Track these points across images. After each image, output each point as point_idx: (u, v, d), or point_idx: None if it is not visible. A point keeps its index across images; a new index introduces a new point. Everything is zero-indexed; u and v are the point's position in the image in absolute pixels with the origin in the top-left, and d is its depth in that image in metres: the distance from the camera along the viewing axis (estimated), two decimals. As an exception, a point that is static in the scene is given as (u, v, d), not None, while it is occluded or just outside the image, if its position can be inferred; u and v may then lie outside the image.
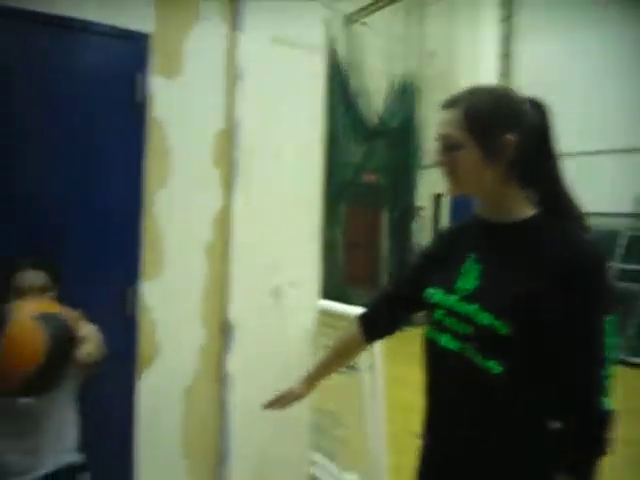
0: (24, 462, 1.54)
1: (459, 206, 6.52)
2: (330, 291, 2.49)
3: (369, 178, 7.34)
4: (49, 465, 1.58)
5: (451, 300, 1.05)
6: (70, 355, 1.29)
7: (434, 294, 1.10)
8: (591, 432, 0.92)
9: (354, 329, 1.32)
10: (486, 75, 7.01)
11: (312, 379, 1.41)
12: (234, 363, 2.15)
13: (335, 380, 2.72)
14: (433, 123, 7.34)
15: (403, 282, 1.30)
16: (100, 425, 1.82)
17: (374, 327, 1.30)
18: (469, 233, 1.12)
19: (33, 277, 1.54)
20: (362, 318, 1.32)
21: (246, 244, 2.18)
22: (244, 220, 2.17)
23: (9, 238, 1.67)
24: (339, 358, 1.39)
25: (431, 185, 8.03)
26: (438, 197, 7.88)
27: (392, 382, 2.37)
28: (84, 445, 1.72)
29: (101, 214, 1.86)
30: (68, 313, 1.30)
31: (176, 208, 2.02)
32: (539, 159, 1.02)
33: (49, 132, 1.76)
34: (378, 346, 2.32)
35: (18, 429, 1.53)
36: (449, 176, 1.05)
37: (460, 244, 1.12)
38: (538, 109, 1.03)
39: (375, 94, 6.98)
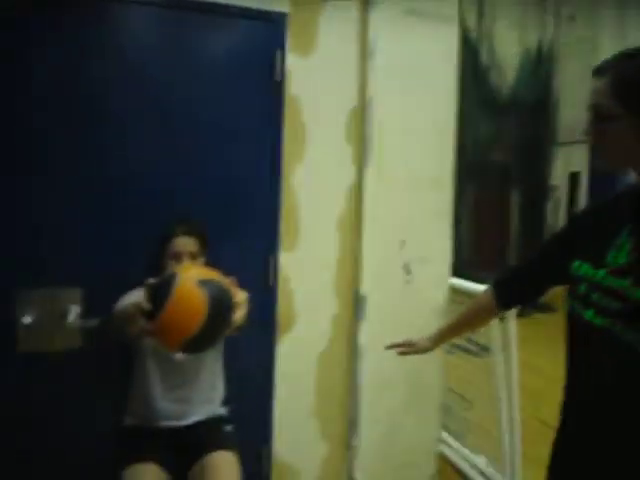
0: (178, 409, 1.73)
1: (598, 185, 5.99)
2: (455, 275, 2.45)
3: (499, 156, 6.99)
4: (200, 414, 1.76)
5: (600, 274, 1.00)
6: (227, 320, 1.35)
7: (580, 267, 1.06)
8: None
9: (488, 295, 1.34)
10: (636, 40, 6.29)
11: (440, 338, 1.47)
12: (365, 334, 2.22)
13: (467, 362, 2.70)
14: (571, 95, 6.80)
15: (543, 256, 1.25)
16: (243, 383, 1.99)
17: (508, 295, 1.30)
18: (623, 206, 1.05)
19: (186, 243, 1.69)
20: (497, 285, 1.33)
21: (377, 219, 2.21)
22: (376, 195, 2.21)
23: (165, 209, 1.86)
24: (469, 322, 1.43)
25: (567, 163, 7.46)
26: (574, 176, 7.30)
27: (520, 368, 2.28)
28: (228, 400, 1.89)
29: (244, 186, 2.00)
30: (225, 280, 1.39)
31: (311, 182, 2.11)
32: None
33: (195, 110, 1.92)
34: (513, 328, 2.25)
35: (173, 380, 1.72)
36: (598, 150, 1.00)
37: (612, 217, 1.06)
38: None
39: (507, 66, 6.59)
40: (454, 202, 2.38)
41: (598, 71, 0.99)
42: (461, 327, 1.45)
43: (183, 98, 1.90)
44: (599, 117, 0.97)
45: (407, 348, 1.52)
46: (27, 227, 1.77)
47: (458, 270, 2.53)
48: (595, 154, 1.00)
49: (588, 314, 1.01)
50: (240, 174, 1.99)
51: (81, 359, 1.83)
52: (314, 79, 2.10)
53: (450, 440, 2.79)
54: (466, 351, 2.75)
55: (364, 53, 2.16)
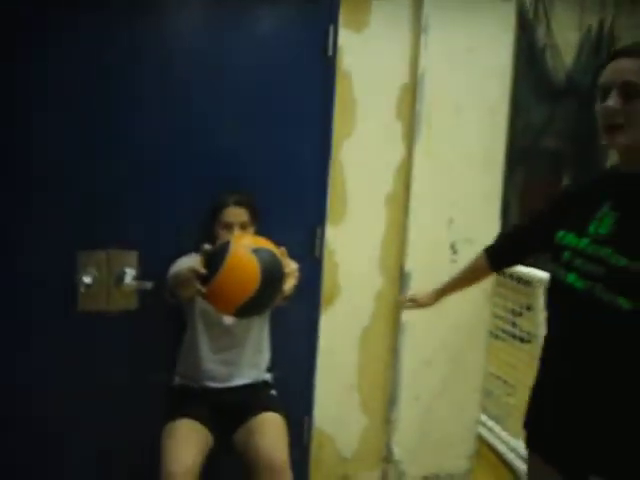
0: (224, 371, 1.80)
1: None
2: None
3: (551, 142, 6.76)
4: (246, 377, 1.83)
5: (583, 243, 1.14)
6: (279, 288, 1.39)
7: (565, 236, 1.19)
8: None
9: (481, 259, 1.57)
10: None
11: (440, 294, 1.73)
12: (408, 312, 2.22)
13: (512, 348, 2.70)
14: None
15: (532, 222, 1.43)
16: (287, 353, 2.05)
17: (498, 258, 1.54)
18: (605, 184, 1.19)
19: (237, 213, 1.74)
20: (488, 250, 1.56)
21: (425, 197, 2.21)
22: (424, 173, 2.20)
23: (217, 179, 1.90)
24: (466, 282, 1.67)
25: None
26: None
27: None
28: (272, 368, 1.95)
29: (294, 159, 2.03)
30: (277, 249, 1.42)
31: (360, 157, 2.12)
32: None
33: (248, 84, 1.95)
34: None
35: (221, 343, 1.79)
36: (626, 126, 1.04)
37: (595, 193, 1.19)
38: None
39: (565, 48, 6.34)
40: (503, 185, 2.35)
41: (628, 52, 1.06)
42: (458, 286, 1.70)
43: (236, 72, 1.94)
44: (630, 94, 1.03)
45: (411, 303, 1.79)
46: (89, 194, 1.86)
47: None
48: (616, 132, 1.05)
49: (570, 278, 1.14)
50: (290, 147, 2.02)
51: (136, 320, 1.93)
52: (366, 55, 2.10)
53: (490, 423, 2.78)
54: (512, 336, 2.73)
55: (417, 29, 2.14)
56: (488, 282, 2.34)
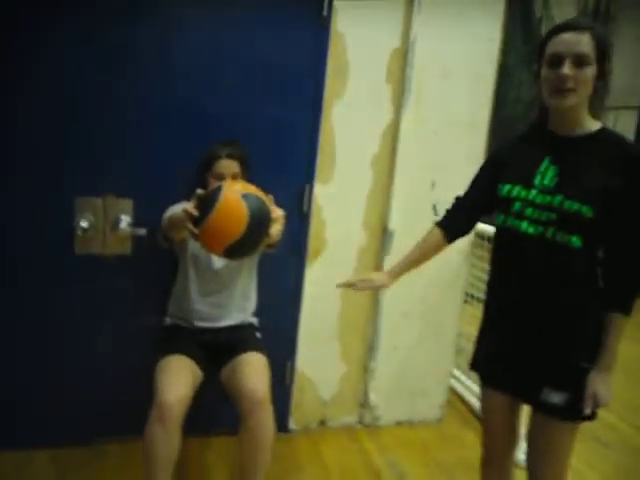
0: (213, 312, 1.92)
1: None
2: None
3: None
4: (233, 319, 1.95)
5: (532, 194, 1.32)
6: (265, 231, 1.47)
7: (512, 189, 1.35)
8: (634, 282, 1.28)
9: (435, 233, 1.59)
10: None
11: (397, 273, 1.65)
12: (390, 266, 2.35)
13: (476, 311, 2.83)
14: (624, 59, 6.50)
15: (476, 187, 1.55)
16: (274, 301, 2.17)
17: (453, 229, 1.58)
18: (537, 141, 1.37)
19: (229, 165, 1.81)
20: (442, 223, 1.59)
21: (411, 159, 2.31)
22: (410, 136, 2.29)
23: (212, 133, 1.97)
24: (423, 256, 1.64)
25: (615, 128, 7.24)
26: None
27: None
28: (259, 314, 2.08)
29: (287, 117, 2.10)
30: (265, 196, 1.51)
31: (349, 119, 2.20)
32: (605, 86, 1.29)
33: (244, 43, 2.01)
34: None
35: (210, 287, 1.90)
36: (573, 89, 1.24)
37: (530, 150, 1.37)
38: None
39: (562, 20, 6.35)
40: (487, 149, 2.45)
41: (576, 27, 1.24)
42: (415, 263, 1.64)
43: (233, 32, 1.99)
44: (582, 63, 1.23)
45: (364, 284, 1.64)
46: (88, 144, 1.93)
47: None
48: (568, 94, 1.24)
49: (522, 225, 1.32)
50: (284, 106, 2.09)
51: (130, 264, 2.03)
52: (360, 17, 2.16)
53: (462, 377, 2.96)
54: (471, 299, 2.87)
55: (411, -6, 2.20)
56: (465, 243, 2.47)
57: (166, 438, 1.60)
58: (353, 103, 2.21)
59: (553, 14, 6.13)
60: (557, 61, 1.24)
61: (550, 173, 1.32)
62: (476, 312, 2.89)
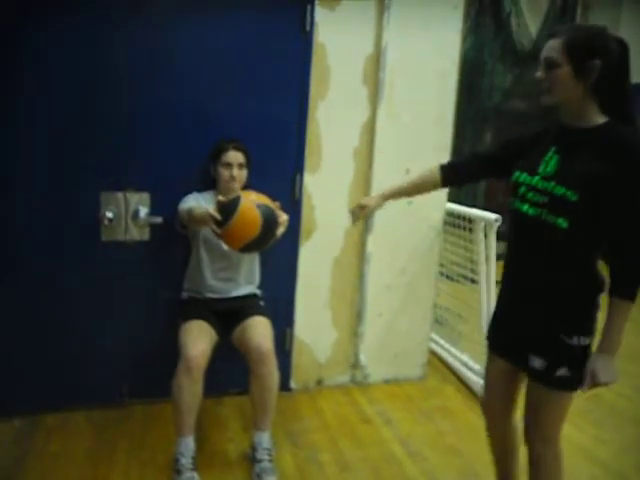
0: (223, 286, 2.27)
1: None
2: (450, 200, 2.90)
3: (517, 104, 7.19)
4: (240, 291, 2.30)
5: (535, 180, 1.47)
6: (274, 233, 1.86)
7: (520, 175, 1.52)
8: (635, 269, 1.36)
9: (435, 172, 1.75)
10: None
11: (386, 197, 1.86)
12: (372, 244, 2.72)
13: (462, 288, 3.21)
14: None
15: (490, 152, 1.72)
16: (274, 277, 2.53)
17: (451, 174, 1.73)
18: (550, 133, 1.52)
19: (236, 155, 2.17)
20: (443, 166, 1.75)
21: (387, 150, 2.66)
22: (385, 131, 2.64)
23: (215, 133, 2.30)
24: (416, 190, 1.82)
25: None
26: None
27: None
28: (263, 286, 2.43)
29: (278, 117, 2.46)
30: (273, 204, 1.88)
31: (332, 117, 2.55)
32: (616, 82, 1.38)
33: (239, 56, 2.35)
34: (493, 266, 2.75)
35: (220, 264, 2.25)
36: (547, 89, 1.41)
37: (543, 141, 1.52)
38: (621, 47, 1.37)
39: (532, 15, 6.70)
40: (454, 138, 2.80)
41: (553, 34, 1.41)
42: (409, 193, 1.86)
43: (229, 47, 2.33)
44: (550, 66, 1.38)
45: (361, 211, 1.88)
46: (110, 144, 2.27)
47: (454, 196, 2.99)
48: (545, 94, 1.42)
49: (524, 207, 1.49)
50: (275, 108, 2.44)
51: (148, 248, 2.38)
52: (338, 29, 2.49)
53: (441, 342, 3.33)
54: (464, 278, 3.23)
55: (381, 8, 2.53)
56: (438, 221, 2.83)
57: (191, 386, 1.95)
58: (335, 102, 2.55)
59: (522, 8, 6.48)
60: (540, 65, 1.42)
61: (553, 161, 1.44)
62: (449, 289, 3.28)
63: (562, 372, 1.46)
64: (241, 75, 2.38)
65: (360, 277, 2.77)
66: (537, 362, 1.49)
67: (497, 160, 1.67)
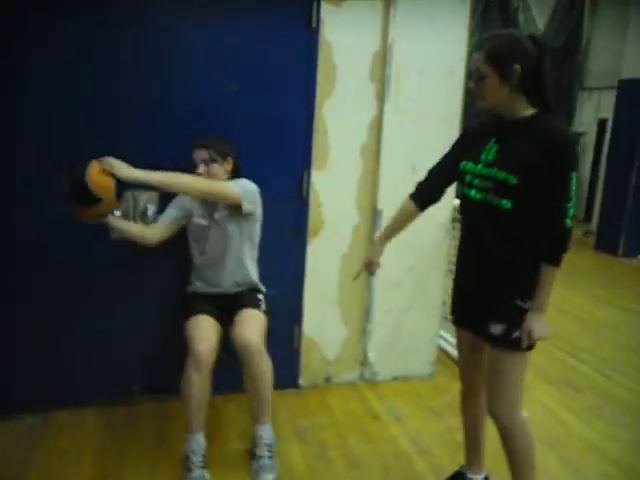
0: (215, 279, 2.26)
1: (622, 132, 6.17)
2: (458, 197, 2.90)
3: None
4: (233, 284, 2.28)
5: (478, 167, 1.65)
6: (78, 182, 1.92)
7: (466, 165, 1.70)
8: (563, 237, 1.55)
9: (408, 203, 1.92)
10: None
11: (384, 242, 1.99)
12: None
13: None
14: (608, 38, 6.82)
15: (442, 162, 1.87)
16: (281, 275, 2.54)
17: (421, 198, 1.90)
18: (489, 126, 1.70)
19: (199, 153, 2.16)
20: (412, 195, 1.92)
21: (393, 147, 2.66)
22: (392, 128, 2.64)
23: (222, 132, 2.29)
24: (400, 225, 1.96)
25: (595, 109, 7.58)
26: (602, 123, 7.43)
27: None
28: (270, 284, 2.41)
29: (286, 115, 2.46)
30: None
31: (339, 114, 2.55)
32: (536, 78, 1.55)
33: (247, 53, 2.36)
34: None
35: (209, 258, 2.25)
36: (479, 96, 1.60)
37: (483, 133, 1.70)
38: (536, 43, 1.55)
39: (539, 10, 6.67)
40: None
41: (478, 46, 1.57)
42: (398, 229, 1.97)
43: (232, 44, 2.34)
44: (479, 76, 1.56)
45: (372, 267, 2.03)
46: (119, 146, 2.27)
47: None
48: (479, 100, 1.61)
49: (472, 192, 1.66)
50: (282, 105, 2.45)
51: (158, 246, 2.37)
52: (344, 26, 2.49)
53: (451, 339, 3.32)
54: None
55: (387, 3, 2.53)
56: (446, 218, 2.82)
57: (200, 381, 1.97)
58: (341, 100, 2.55)
59: (529, 3, 6.46)
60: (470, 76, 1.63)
61: (493, 150, 1.63)
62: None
63: (517, 334, 1.62)
64: (247, 73, 2.39)
65: (368, 275, 2.76)
66: (497, 328, 1.64)
67: (453, 165, 1.78)
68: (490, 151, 1.64)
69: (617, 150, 6.31)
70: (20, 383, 2.38)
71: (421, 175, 2.69)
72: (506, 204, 1.57)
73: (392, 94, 2.61)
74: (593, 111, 7.64)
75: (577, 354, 3.35)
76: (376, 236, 2.04)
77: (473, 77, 1.59)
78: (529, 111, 1.60)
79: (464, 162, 1.71)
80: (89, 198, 1.93)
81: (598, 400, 2.83)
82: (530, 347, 1.64)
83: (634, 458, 2.36)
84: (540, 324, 1.60)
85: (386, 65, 2.58)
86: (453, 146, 1.86)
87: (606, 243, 6.34)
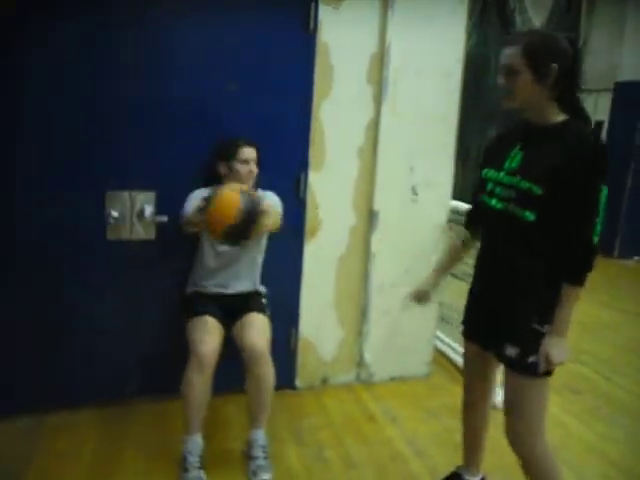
0: (225, 282, 2.26)
1: (618, 134, 6.20)
2: (455, 198, 2.90)
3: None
4: (242, 287, 2.29)
5: (500, 175, 1.56)
6: (254, 219, 1.89)
7: (487, 172, 1.62)
8: (588, 255, 1.46)
9: (465, 234, 1.81)
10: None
11: (438, 280, 1.91)
12: (377, 242, 2.72)
13: (465, 287, 3.18)
14: (605, 40, 6.82)
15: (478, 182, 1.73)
16: (279, 275, 2.52)
17: (478, 224, 1.75)
18: (516, 131, 1.61)
19: (250, 151, 2.18)
20: (468, 221, 1.81)
21: (391, 148, 2.66)
22: (390, 129, 2.64)
23: (222, 133, 2.30)
24: (455, 262, 1.90)
25: (592, 111, 7.58)
26: (599, 125, 7.44)
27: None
28: (266, 285, 2.41)
29: (283, 116, 2.46)
30: (255, 193, 1.93)
31: (336, 116, 2.55)
32: (570, 81, 1.48)
33: (246, 54, 2.35)
34: None
35: (222, 261, 2.25)
36: (509, 94, 1.49)
37: (509, 138, 1.61)
38: (572, 45, 1.48)
39: (536, 11, 6.68)
40: (458, 137, 2.80)
41: (511, 41, 1.48)
42: (450, 267, 1.92)
43: (230, 45, 2.34)
44: (510, 72, 1.46)
45: (423, 298, 1.92)
46: (117, 146, 2.28)
47: (459, 194, 2.99)
48: (507, 99, 1.50)
49: (492, 202, 1.58)
50: (279, 106, 2.45)
51: (154, 247, 2.39)
52: (342, 28, 2.49)
53: (447, 340, 3.33)
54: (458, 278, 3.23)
55: (385, 4, 2.53)
56: (442, 219, 2.83)
57: (201, 382, 1.97)
58: (339, 101, 2.55)
59: (526, 5, 6.46)
60: (499, 71, 1.51)
61: (517, 157, 1.53)
62: (455, 287, 3.28)
63: (533, 359, 1.52)
64: (245, 74, 2.38)
65: (365, 275, 2.77)
66: (512, 350, 1.55)
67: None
68: (514, 158, 1.54)
69: (613, 152, 6.30)
70: (19, 383, 2.37)
71: (420, 176, 2.75)
72: (529, 216, 1.46)
73: (389, 95, 2.61)
74: (589, 113, 7.66)
75: (577, 356, 3.35)
76: (429, 278, 1.92)
77: (503, 73, 1.48)
78: (560, 117, 1.49)
79: (486, 169, 1.62)
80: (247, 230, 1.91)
81: (598, 402, 2.84)
82: (549, 372, 1.54)
83: (634, 460, 2.37)
84: (559, 348, 1.48)
85: (383, 66, 2.58)
86: (483, 160, 1.71)
87: (602, 245, 6.27)
